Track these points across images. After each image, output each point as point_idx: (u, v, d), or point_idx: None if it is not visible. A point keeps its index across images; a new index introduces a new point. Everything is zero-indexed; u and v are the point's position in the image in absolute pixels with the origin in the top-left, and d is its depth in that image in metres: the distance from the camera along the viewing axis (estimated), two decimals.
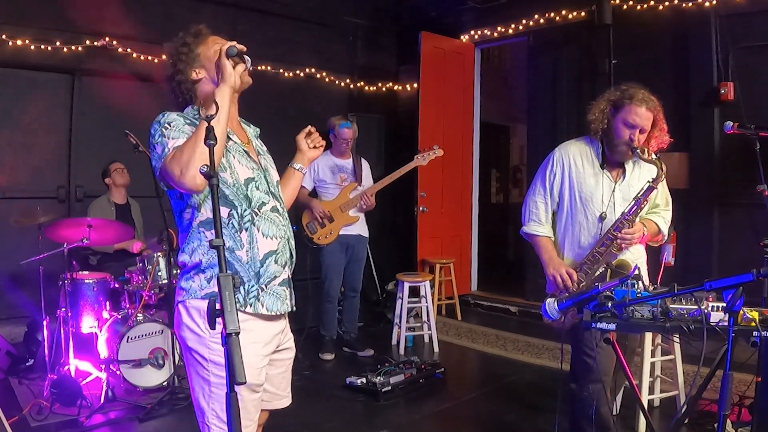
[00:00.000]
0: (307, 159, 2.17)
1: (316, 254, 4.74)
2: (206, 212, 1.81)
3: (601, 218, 2.50)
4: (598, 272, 2.49)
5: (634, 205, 2.44)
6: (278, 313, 1.87)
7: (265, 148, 2.05)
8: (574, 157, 2.59)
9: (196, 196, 1.79)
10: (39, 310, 3.81)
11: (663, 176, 2.43)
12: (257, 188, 1.85)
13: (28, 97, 4.92)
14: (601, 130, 2.51)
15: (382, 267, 6.16)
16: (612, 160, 2.54)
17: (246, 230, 1.81)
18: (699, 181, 4.85)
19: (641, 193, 2.44)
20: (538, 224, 2.67)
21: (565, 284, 2.46)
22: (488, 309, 6.31)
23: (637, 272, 1.97)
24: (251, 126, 2.09)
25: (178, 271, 4.07)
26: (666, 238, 2.66)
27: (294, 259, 1.97)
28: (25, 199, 4.78)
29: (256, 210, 1.83)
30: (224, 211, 1.79)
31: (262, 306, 1.82)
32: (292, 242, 1.95)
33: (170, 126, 1.78)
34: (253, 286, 1.82)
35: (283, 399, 2.04)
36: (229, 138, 1.84)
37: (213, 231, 1.70)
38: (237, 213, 1.80)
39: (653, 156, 2.43)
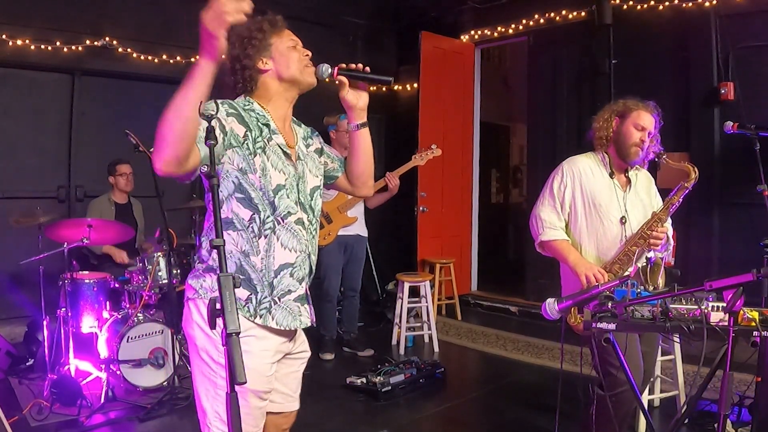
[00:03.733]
0: (359, 110, 1.92)
1: None
2: (227, 211, 1.74)
3: (622, 222, 2.55)
4: (627, 272, 2.49)
5: (668, 204, 2.50)
6: (289, 329, 1.82)
7: (313, 148, 1.97)
8: (584, 169, 2.63)
9: (219, 193, 1.72)
10: (39, 310, 3.81)
11: (696, 179, 2.51)
12: (287, 196, 1.79)
13: (28, 97, 4.92)
14: (606, 137, 2.60)
15: (382, 267, 6.16)
16: (618, 166, 2.61)
17: (265, 237, 1.75)
18: (699, 181, 4.82)
19: (674, 193, 2.51)
20: (554, 230, 2.63)
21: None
22: (488, 309, 6.31)
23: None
24: (303, 126, 2.01)
25: (178, 271, 4.10)
26: (672, 245, 2.70)
27: (313, 275, 1.91)
28: (25, 199, 4.78)
29: (279, 219, 1.77)
30: (246, 214, 1.73)
31: (273, 320, 1.77)
32: (314, 258, 1.90)
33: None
34: (265, 297, 1.77)
35: (295, 401, 2.01)
36: (271, 138, 1.78)
37: (232, 231, 1.74)
38: (259, 218, 1.74)
39: (685, 163, 2.54)
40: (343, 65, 1.87)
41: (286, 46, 1.83)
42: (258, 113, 1.80)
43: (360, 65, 1.88)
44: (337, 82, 1.88)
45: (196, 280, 1.79)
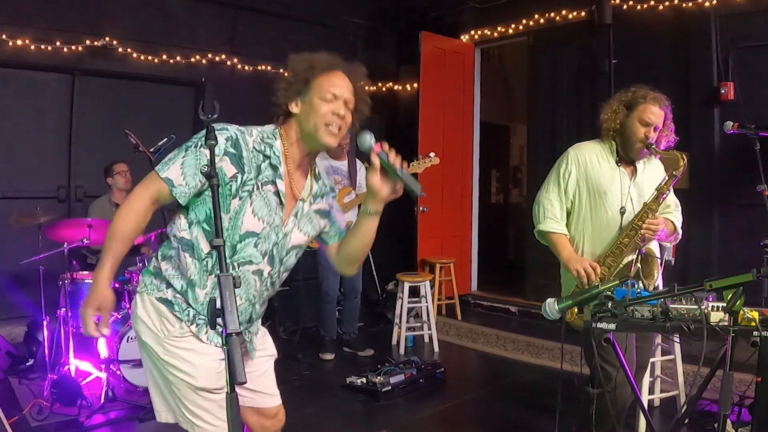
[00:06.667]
0: (380, 200, 1.79)
1: (311, 255, 4.74)
2: (191, 233, 1.73)
3: (621, 212, 2.53)
4: (622, 265, 2.49)
5: (658, 194, 2.47)
6: (220, 347, 1.75)
7: (317, 207, 1.89)
8: (590, 155, 2.62)
9: (190, 215, 1.74)
10: (39, 310, 3.81)
11: (684, 166, 2.45)
12: (255, 245, 1.74)
13: (28, 97, 4.92)
14: (613, 129, 2.58)
15: (382, 267, 6.16)
16: (626, 158, 2.59)
17: (216, 276, 1.70)
18: (699, 181, 4.85)
19: (663, 182, 2.47)
20: (555, 221, 2.63)
21: (590, 278, 2.45)
22: (488, 309, 6.31)
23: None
24: (322, 182, 1.92)
25: None
26: (680, 236, 2.68)
27: (252, 322, 1.88)
28: (25, 199, 4.78)
29: (235, 264, 1.73)
30: (206, 247, 1.71)
31: (205, 334, 1.74)
32: (258, 307, 1.87)
33: (198, 149, 1.67)
34: (202, 318, 1.74)
35: (271, 398, 2.00)
36: (273, 182, 1.73)
37: (189, 256, 1.72)
38: (216, 255, 1.69)
39: (671, 149, 2.51)
40: (386, 146, 1.72)
41: (321, 96, 1.72)
42: (275, 152, 1.75)
43: (398, 159, 1.72)
44: (370, 158, 1.75)
45: (148, 275, 1.80)
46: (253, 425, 1.99)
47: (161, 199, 1.71)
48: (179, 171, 1.67)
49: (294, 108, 1.76)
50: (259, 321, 1.97)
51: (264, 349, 2.00)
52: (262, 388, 1.98)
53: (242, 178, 1.69)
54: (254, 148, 1.72)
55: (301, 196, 1.83)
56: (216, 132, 1.65)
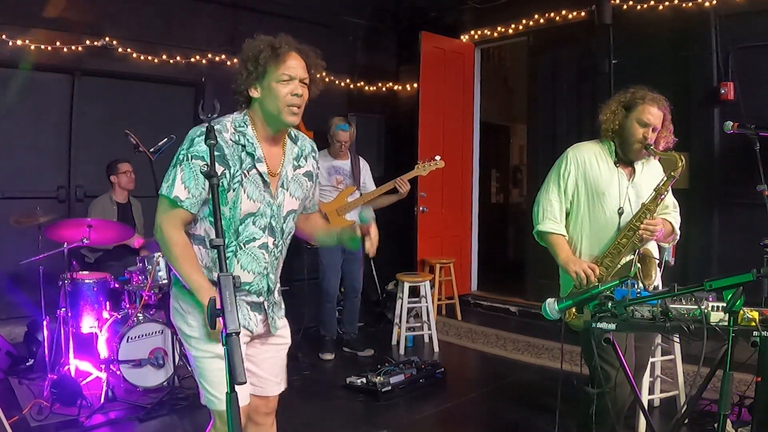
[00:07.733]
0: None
1: (313, 254, 4.74)
2: (200, 228, 1.87)
3: (619, 213, 2.54)
4: (619, 265, 2.49)
5: (657, 194, 2.47)
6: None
7: (303, 171, 2.01)
8: (588, 156, 2.63)
9: (197, 214, 1.85)
10: (39, 310, 3.81)
11: (683, 167, 2.46)
12: (253, 223, 1.87)
13: (28, 97, 4.92)
14: (612, 130, 2.59)
15: (382, 267, 6.16)
16: (624, 159, 2.60)
17: (227, 260, 1.84)
18: (699, 181, 4.85)
19: (662, 183, 2.48)
20: (555, 222, 2.64)
21: (589, 279, 2.45)
22: (488, 309, 6.31)
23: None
24: (300, 142, 2.02)
25: None
26: (678, 237, 2.68)
27: (272, 292, 1.98)
28: (25, 199, 4.78)
29: (241, 244, 1.86)
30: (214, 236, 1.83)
31: None
32: (273, 276, 1.97)
33: (190, 161, 1.77)
34: None
35: (277, 385, 2.07)
36: (253, 167, 1.84)
37: (202, 248, 1.87)
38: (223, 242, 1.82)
39: (670, 150, 2.52)
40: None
41: (277, 79, 1.81)
42: (248, 138, 1.85)
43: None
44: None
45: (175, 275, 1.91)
46: (249, 410, 2.00)
47: (186, 219, 1.83)
48: (182, 186, 1.79)
49: (254, 93, 1.85)
50: (282, 305, 2.07)
51: (283, 336, 2.08)
52: (275, 375, 2.06)
53: (230, 172, 1.80)
54: (232, 141, 1.82)
55: (281, 166, 1.93)
56: (196, 138, 1.77)
